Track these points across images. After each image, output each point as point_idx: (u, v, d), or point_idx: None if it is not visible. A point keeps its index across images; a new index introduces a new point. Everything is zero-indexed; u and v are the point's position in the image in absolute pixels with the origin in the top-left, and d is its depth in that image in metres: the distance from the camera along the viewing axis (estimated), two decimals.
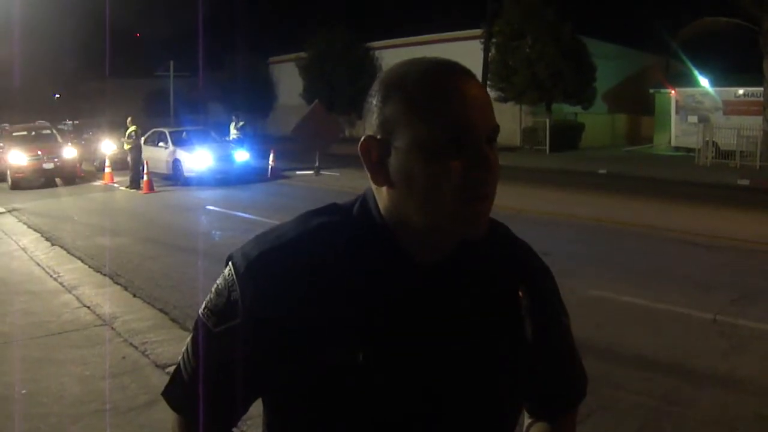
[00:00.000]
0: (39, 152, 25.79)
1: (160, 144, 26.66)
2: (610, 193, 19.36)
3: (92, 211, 18.88)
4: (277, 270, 1.43)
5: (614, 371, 6.70)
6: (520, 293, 1.57)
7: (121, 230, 14.79)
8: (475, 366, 1.47)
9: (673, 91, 34.19)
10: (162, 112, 49.37)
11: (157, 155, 25.88)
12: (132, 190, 23.59)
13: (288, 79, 50.66)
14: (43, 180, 25.76)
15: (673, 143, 33.70)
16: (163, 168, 25.71)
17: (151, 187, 22.98)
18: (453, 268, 1.47)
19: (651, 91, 37.39)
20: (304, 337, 1.40)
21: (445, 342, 1.45)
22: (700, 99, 32.69)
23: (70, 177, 26.47)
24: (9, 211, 18.50)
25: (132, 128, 24.97)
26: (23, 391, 6.16)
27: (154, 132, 28.01)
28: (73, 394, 6.00)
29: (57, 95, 65.27)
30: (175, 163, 25.42)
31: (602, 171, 25.85)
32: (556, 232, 13.47)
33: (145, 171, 23.23)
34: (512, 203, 16.70)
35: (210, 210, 18.33)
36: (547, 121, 35.15)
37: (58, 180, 26.32)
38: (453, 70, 1.43)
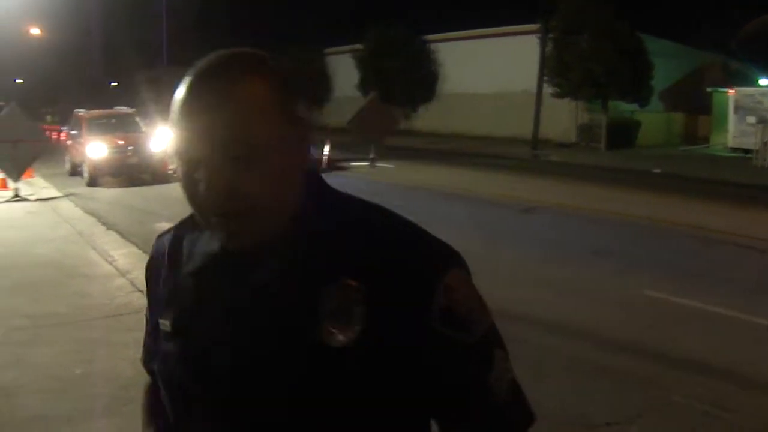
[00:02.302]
0: (121, 143, 22.92)
1: None
2: (664, 193, 19.13)
3: (146, 197, 19.10)
4: (153, 253, 1.70)
5: (665, 373, 6.65)
6: (352, 290, 1.35)
7: (175, 217, 14.84)
8: (273, 356, 1.38)
9: (731, 91, 33.62)
10: None
11: None
12: None
13: (344, 70, 50.71)
14: (126, 176, 22.60)
15: (730, 144, 33.12)
16: None
17: None
18: (262, 256, 1.41)
19: (709, 90, 36.80)
20: (151, 308, 1.63)
21: (240, 326, 1.42)
22: (760, 99, 32.10)
23: (159, 173, 22.59)
24: (66, 196, 18.81)
25: None
26: (78, 371, 6.28)
27: None
28: (126, 377, 6.06)
29: (113, 83, 66.08)
30: None
31: (657, 170, 25.51)
32: (610, 231, 13.37)
33: None
34: (566, 200, 16.65)
35: None
36: (604, 118, 34.82)
37: (145, 176, 22.89)
38: (190, 85, 1.37)
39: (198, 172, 1.34)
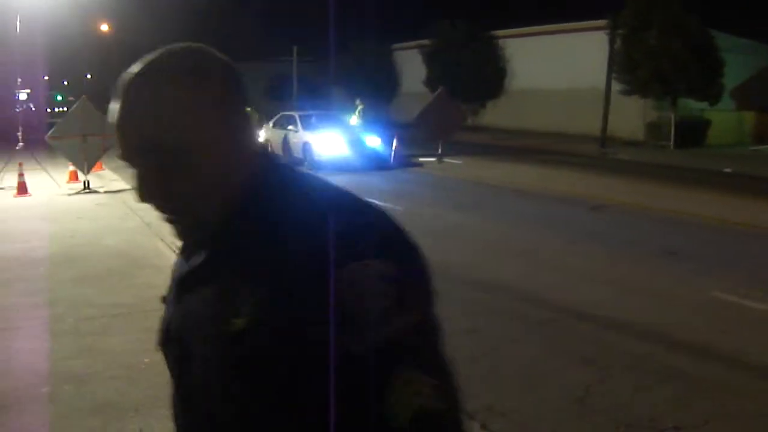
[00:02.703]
0: None
1: (289, 128, 26.23)
2: (735, 193, 18.75)
3: None
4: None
5: (736, 378, 6.51)
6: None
7: None
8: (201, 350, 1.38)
9: None
10: (284, 96, 50.12)
11: (287, 139, 25.78)
12: None
13: (411, 66, 50.69)
14: None
15: None
16: (294, 151, 25.28)
17: None
18: (195, 266, 1.44)
19: None
20: None
21: (187, 325, 1.45)
22: None
23: None
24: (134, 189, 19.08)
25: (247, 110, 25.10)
26: (146, 360, 6.36)
27: (283, 116, 27.64)
28: None
29: None
30: (305, 146, 24.81)
31: (728, 170, 25.00)
32: (681, 231, 13.14)
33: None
34: (636, 199, 16.43)
35: None
36: (672, 116, 34.27)
37: None
38: (120, 82, 1.37)
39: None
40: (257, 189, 1.40)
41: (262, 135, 25.30)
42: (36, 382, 6.01)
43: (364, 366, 1.20)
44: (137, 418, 5.35)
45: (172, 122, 1.32)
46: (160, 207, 1.40)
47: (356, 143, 24.50)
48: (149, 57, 1.39)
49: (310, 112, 28.12)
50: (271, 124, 26.47)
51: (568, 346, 7.24)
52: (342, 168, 22.54)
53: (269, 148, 23.72)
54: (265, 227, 1.35)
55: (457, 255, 11.04)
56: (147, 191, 1.37)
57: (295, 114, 27.16)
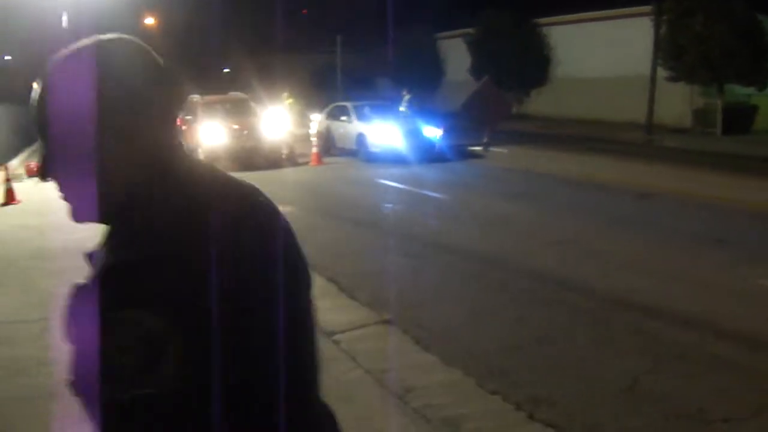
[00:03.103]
0: (236, 127, 22.96)
1: (342, 118, 25.47)
2: None
3: (260, 181, 19.24)
4: None
5: None
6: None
7: (290, 200, 15.22)
8: None
9: None
10: (329, 87, 50.18)
11: (340, 130, 25.33)
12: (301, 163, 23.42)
13: (455, 55, 50.48)
14: (240, 161, 21.49)
15: None
16: (347, 142, 24.82)
17: (320, 159, 23.05)
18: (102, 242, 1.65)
19: None
20: None
21: None
22: None
23: (274, 157, 22.85)
24: None
25: (288, 101, 24.79)
26: None
27: (336, 106, 26.90)
28: None
29: (226, 69, 67.18)
30: (360, 137, 23.96)
31: None
32: (728, 219, 13.06)
33: (316, 143, 23.31)
34: (682, 187, 16.34)
35: (380, 183, 18.58)
36: (719, 102, 33.85)
37: (259, 161, 22.18)
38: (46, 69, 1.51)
39: None
40: (162, 180, 1.51)
41: (313, 126, 24.53)
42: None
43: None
44: None
45: (86, 111, 1.43)
46: (60, 185, 1.52)
47: (412, 134, 23.57)
48: (75, 46, 1.51)
49: (364, 102, 27.31)
50: (323, 114, 25.95)
51: (616, 334, 7.26)
52: (396, 159, 22.27)
53: (322, 139, 23.72)
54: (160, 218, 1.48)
55: (505, 244, 11.14)
56: (49, 170, 1.52)
57: (348, 104, 26.42)
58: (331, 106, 27.18)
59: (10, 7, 41.50)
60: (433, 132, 24.28)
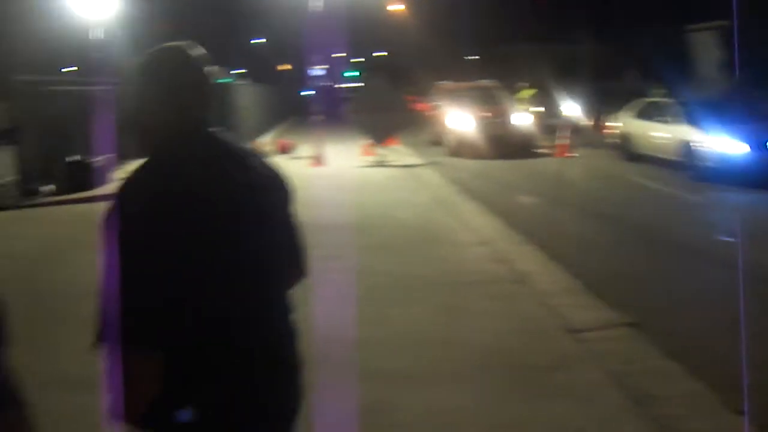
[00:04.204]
0: (484, 114, 22.66)
1: (659, 118, 19.61)
2: None
3: (508, 170, 19.08)
4: None
5: None
6: None
7: (536, 191, 14.76)
8: None
9: None
10: (576, 78, 49.03)
11: (652, 133, 19.61)
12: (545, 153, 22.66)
13: (706, 48, 47.84)
14: (488, 148, 21.33)
15: None
16: (662, 150, 18.87)
17: (566, 151, 21.90)
18: None
19: None
20: None
21: None
22: None
23: (523, 146, 22.37)
24: (428, 164, 19.34)
25: (526, 93, 24.17)
26: (435, 334, 6.31)
27: (651, 103, 21.27)
28: (483, 344, 6.03)
29: (469, 57, 67.20)
30: (687, 147, 17.41)
31: None
32: None
33: (563, 134, 22.27)
34: None
35: (634, 181, 17.17)
36: None
37: (507, 149, 21.70)
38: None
39: None
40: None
41: (564, 117, 23.60)
42: (330, 343, 6.06)
43: None
44: (421, 390, 5.25)
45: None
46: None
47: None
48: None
49: (693, 99, 20.98)
50: (632, 113, 21.57)
51: None
52: (743, 180, 15.24)
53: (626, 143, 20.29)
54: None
55: None
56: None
57: (671, 102, 20.36)
58: (641, 102, 21.96)
59: None
60: None
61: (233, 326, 2.23)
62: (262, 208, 2.36)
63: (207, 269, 2.17)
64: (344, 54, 68.15)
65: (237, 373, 2.22)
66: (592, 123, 30.60)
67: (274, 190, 2.47)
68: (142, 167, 2.24)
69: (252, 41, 71.38)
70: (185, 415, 2.18)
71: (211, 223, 2.17)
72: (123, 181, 2.22)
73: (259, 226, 2.32)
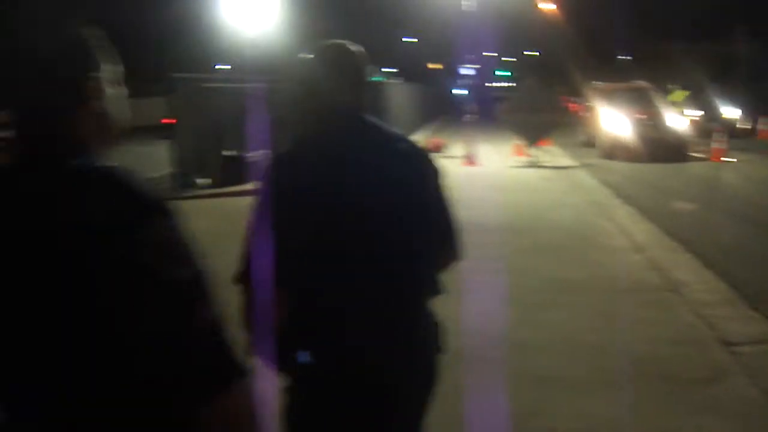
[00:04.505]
0: (639, 116, 22.32)
1: None
2: None
3: (663, 174, 18.71)
4: None
5: None
6: None
7: (692, 196, 14.45)
8: None
9: None
10: (732, 80, 47.16)
11: None
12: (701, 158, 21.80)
13: None
14: (643, 151, 20.98)
15: None
16: None
17: (723, 156, 21.25)
18: None
19: None
20: None
21: None
22: None
23: (678, 150, 21.75)
24: (581, 166, 19.20)
25: (679, 95, 23.44)
26: (590, 339, 6.36)
27: None
28: (637, 352, 6.00)
29: (624, 57, 65.50)
30: None
31: None
32: None
33: (720, 138, 21.48)
34: None
35: None
36: None
37: (662, 152, 20.96)
38: None
39: None
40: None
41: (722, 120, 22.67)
42: (483, 344, 6.21)
43: None
44: (574, 396, 5.31)
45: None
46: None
47: None
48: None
49: None
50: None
51: None
52: None
53: None
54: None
55: None
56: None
57: None
58: None
59: None
60: None
61: (367, 293, 2.46)
62: (407, 186, 2.60)
63: (347, 235, 2.44)
64: (495, 53, 67.91)
65: (357, 329, 2.43)
66: (749, 127, 29.62)
67: (420, 170, 2.71)
68: (299, 142, 2.69)
69: (404, 39, 72.01)
70: (303, 356, 2.42)
71: (354, 195, 2.46)
72: (281, 152, 2.64)
73: (405, 202, 2.57)
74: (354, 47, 2.71)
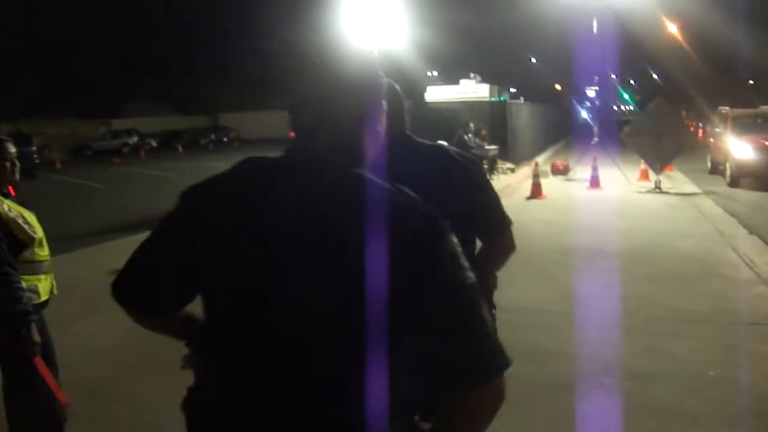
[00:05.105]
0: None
1: None
2: None
3: None
4: None
5: None
6: None
7: None
8: None
9: None
10: None
11: None
12: None
13: None
14: None
15: None
16: None
17: None
18: None
19: None
20: None
21: None
22: None
23: None
24: (705, 193, 18.78)
25: None
26: (711, 373, 6.25)
27: None
28: (760, 387, 5.88)
29: (752, 81, 63.74)
30: None
31: None
32: None
33: None
34: None
35: None
36: None
37: None
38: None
39: None
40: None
41: None
42: (599, 371, 6.21)
43: None
44: (695, 429, 5.24)
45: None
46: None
47: None
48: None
49: None
50: None
51: None
52: None
53: None
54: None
55: None
56: None
57: None
58: None
59: (538, 10, 43.41)
60: None
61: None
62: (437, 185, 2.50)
63: None
64: (617, 76, 67.07)
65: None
66: None
67: (457, 170, 3.20)
68: None
69: (529, 60, 71.84)
70: None
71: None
72: None
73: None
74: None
